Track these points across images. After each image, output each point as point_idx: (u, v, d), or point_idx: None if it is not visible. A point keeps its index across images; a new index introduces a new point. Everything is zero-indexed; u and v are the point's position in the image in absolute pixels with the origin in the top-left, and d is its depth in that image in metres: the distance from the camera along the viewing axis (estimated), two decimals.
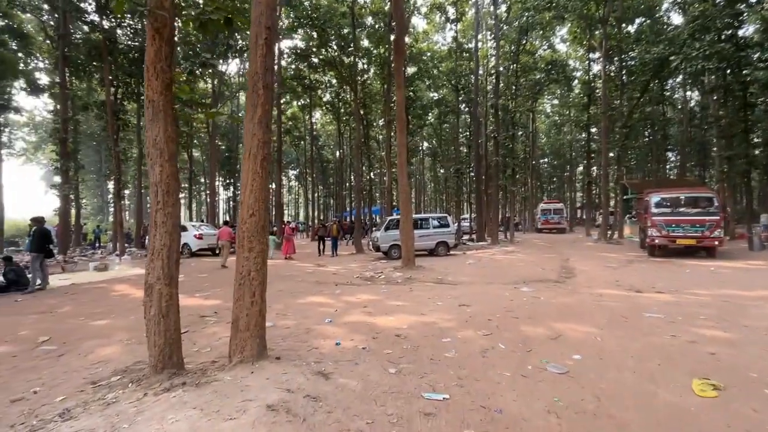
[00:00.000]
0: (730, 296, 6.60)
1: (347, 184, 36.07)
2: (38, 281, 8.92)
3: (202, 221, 30.09)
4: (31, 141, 40.82)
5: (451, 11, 23.22)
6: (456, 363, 3.84)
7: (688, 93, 30.73)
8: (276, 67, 21.44)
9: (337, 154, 38.66)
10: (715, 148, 27.06)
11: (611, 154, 21.95)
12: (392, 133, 20.05)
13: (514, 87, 23.80)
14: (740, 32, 16.88)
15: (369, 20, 22.43)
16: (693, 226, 11.97)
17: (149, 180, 3.42)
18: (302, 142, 38.49)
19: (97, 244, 23.49)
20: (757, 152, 19.19)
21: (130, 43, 17.82)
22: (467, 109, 28.65)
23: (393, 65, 14.60)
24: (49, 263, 10.00)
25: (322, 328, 5.23)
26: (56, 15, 17.68)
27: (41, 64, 21.68)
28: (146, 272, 3.34)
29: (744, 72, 16.26)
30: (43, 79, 21.59)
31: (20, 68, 20.04)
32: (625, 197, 24.73)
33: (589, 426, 2.68)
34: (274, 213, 23.70)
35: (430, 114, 30.30)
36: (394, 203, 23.91)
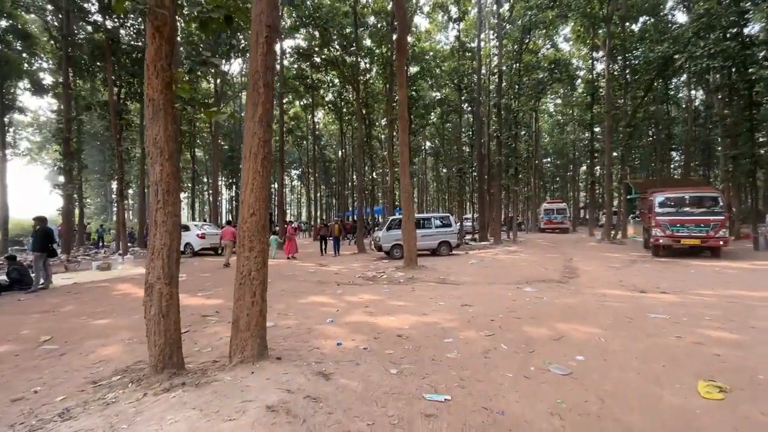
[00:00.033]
0: (736, 297, 6.53)
1: (349, 183, 36.07)
2: (41, 280, 8.95)
3: (205, 221, 30.19)
4: (36, 141, 41.02)
5: (454, 10, 23.15)
6: (458, 364, 3.81)
7: (693, 92, 30.52)
8: (278, 66, 21.53)
9: (340, 153, 38.69)
10: (719, 148, 26.83)
11: (615, 154, 21.82)
12: (394, 133, 20.03)
13: (516, 86, 23.70)
14: (746, 30, 16.70)
15: (371, 19, 22.40)
16: (697, 226, 11.86)
17: (149, 179, 3.41)
18: (305, 142, 38.54)
19: (100, 244, 23.61)
20: (762, 151, 19.06)
21: (132, 43, 17.89)
22: (470, 108, 28.55)
23: (395, 64, 14.55)
24: (52, 262, 10.04)
25: (324, 328, 5.21)
26: (60, 15, 17.76)
27: (45, 65, 21.80)
28: (146, 271, 3.33)
29: (749, 70, 16.07)
30: (47, 79, 21.75)
31: (24, 68, 20.21)
32: (628, 197, 24.62)
33: (592, 428, 2.64)
34: (276, 213, 23.75)
35: (432, 113, 30.22)
36: (396, 203, 23.92)
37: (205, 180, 41.54)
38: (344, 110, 30.25)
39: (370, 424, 2.65)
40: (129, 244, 19.62)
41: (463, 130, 30.55)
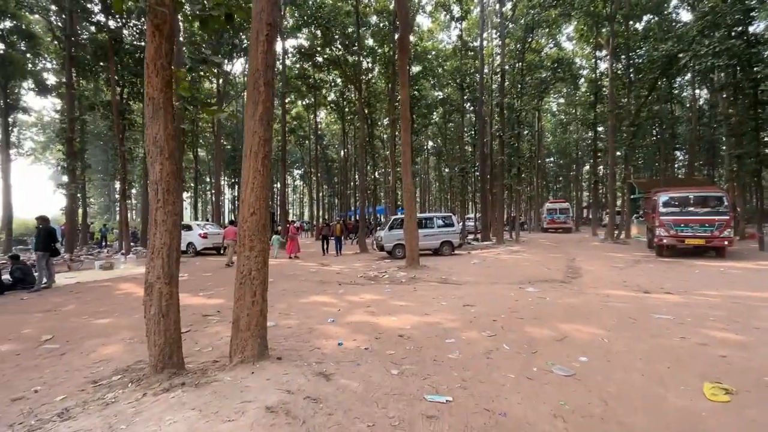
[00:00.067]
0: (741, 297, 6.47)
1: (352, 183, 36.05)
2: (44, 280, 8.98)
3: (208, 220, 30.26)
4: (40, 141, 41.26)
5: (456, 9, 23.05)
6: (460, 364, 3.78)
7: (697, 91, 30.31)
8: (280, 66, 21.55)
9: (342, 153, 38.67)
10: (724, 147, 26.67)
11: (618, 153, 21.65)
12: (397, 132, 20.02)
13: (519, 85, 23.58)
14: (751, 28, 16.57)
15: (373, 19, 22.37)
16: (702, 226, 11.77)
17: (149, 178, 3.39)
18: (307, 142, 38.57)
19: (103, 243, 23.71)
20: (767, 151, 18.85)
21: (135, 43, 17.93)
22: (472, 107, 28.48)
23: (397, 64, 14.51)
24: (55, 262, 10.07)
25: (325, 327, 5.19)
26: (63, 15, 17.83)
27: (49, 65, 21.93)
28: (146, 271, 3.31)
29: (755, 69, 15.94)
30: (51, 79, 21.87)
31: (28, 69, 20.32)
32: (632, 196, 24.44)
33: (596, 431, 2.60)
34: (279, 212, 23.77)
35: (434, 113, 30.18)
36: (398, 202, 23.86)
37: (208, 180, 41.65)
38: (346, 110, 30.23)
39: (371, 425, 2.62)
40: (132, 244, 19.67)
41: (465, 129, 30.47)
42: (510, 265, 11.76)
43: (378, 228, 22.43)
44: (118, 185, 24.45)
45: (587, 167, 41.30)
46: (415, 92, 23.37)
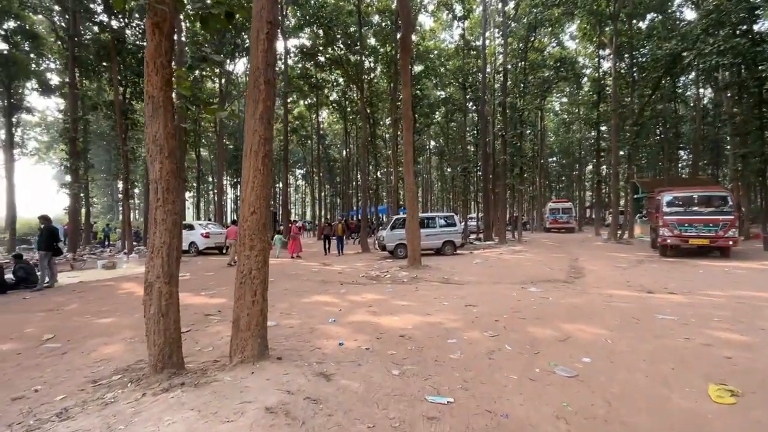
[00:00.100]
0: (745, 297, 6.40)
1: (354, 183, 36.05)
2: (47, 279, 9.01)
3: (210, 220, 30.32)
4: (43, 141, 41.40)
5: (459, 8, 23.00)
6: (461, 365, 3.75)
7: (701, 90, 30.09)
8: (282, 66, 21.55)
9: (344, 153, 38.65)
10: (728, 146, 26.47)
11: (621, 153, 21.58)
12: (399, 132, 19.96)
13: (522, 85, 23.51)
14: (756, 27, 16.43)
15: (375, 18, 22.34)
16: (706, 226, 11.68)
17: (149, 177, 3.38)
18: (309, 141, 38.58)
19: (106, 243, 23.79)
20: None
21: (138, 43, 17.98)
22: (474, 107, 28.40)
23: (399, 63, 14.49)
24: (58, 261, 10.11)
25: (326, 327, 5.17)
26: (66, 16, 17.91)
27: (52, 65, 22.00)
28: (146, 270, 3.30)
29: (759, 68, 15.78)
30: (54, 79, 21.97)
31: (32, 69, 20.40)
32: (635, 196, 24.33)
33: None
34: (281, 212, 23.78)
35: (437, 112, 30.09)
36: (400, 202, 23.80)
37: (211, 179, 41.74)
38: (348, 109, 30.23)
39: (371, 426, 2.60)
40: (134, 243, 19.75)
41: (467, 129, 30.41)
42: (512, 264, 11.72)
43: (380, 228, 22.41)
44: (121, 185, 24.50)
45: (590, 167, 41.09)
46: (418, 92, 23.30)
